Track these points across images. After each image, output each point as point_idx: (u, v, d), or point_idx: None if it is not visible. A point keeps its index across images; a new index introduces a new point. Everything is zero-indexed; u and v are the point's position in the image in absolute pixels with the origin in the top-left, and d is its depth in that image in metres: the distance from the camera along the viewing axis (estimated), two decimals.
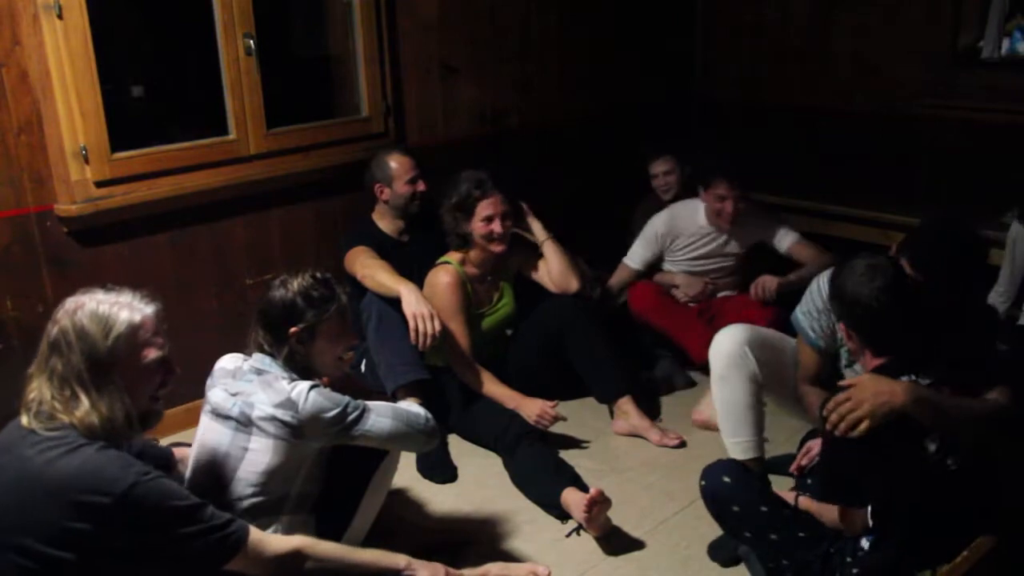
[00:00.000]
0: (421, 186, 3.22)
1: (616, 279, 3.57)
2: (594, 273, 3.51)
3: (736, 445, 2.62)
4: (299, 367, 2.10)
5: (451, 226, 3.07)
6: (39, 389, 1.69)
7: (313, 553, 1.84)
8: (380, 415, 2.08)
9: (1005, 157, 3.74)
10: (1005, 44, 3.93)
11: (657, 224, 3.52)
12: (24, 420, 1.69)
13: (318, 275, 2.14)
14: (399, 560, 1.95)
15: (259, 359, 2.09)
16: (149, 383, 1.78)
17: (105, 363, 1.69)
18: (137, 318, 1.74)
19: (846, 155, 4.24)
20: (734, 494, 2.16)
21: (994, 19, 3.84)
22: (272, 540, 1.81)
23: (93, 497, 1.58)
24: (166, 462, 2.15)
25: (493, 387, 3.02)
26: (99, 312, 1.71)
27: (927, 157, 3.99)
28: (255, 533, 1.77)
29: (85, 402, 1.67)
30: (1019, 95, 3.73)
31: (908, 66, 3.99)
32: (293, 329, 2.06)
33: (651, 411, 3.19)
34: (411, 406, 2.21)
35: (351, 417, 2.03)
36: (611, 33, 4.30)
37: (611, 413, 3.14)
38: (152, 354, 1.77)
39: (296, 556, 1.81)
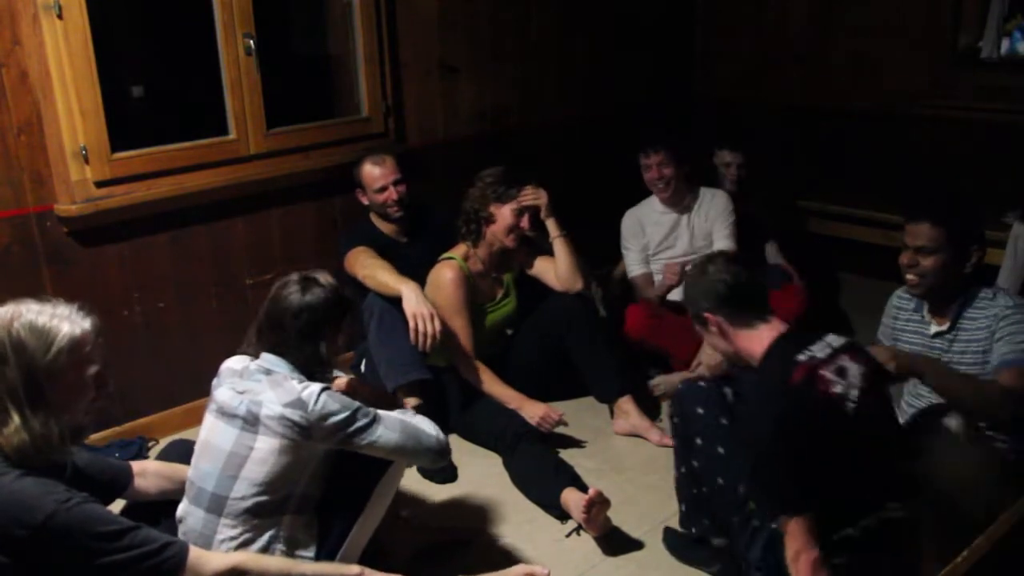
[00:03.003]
0: (393, 195, 3.18)
1: (642, 289, 3.57)
2: (596, 272, 3.52)
3: None
4: (312, 367, 2.10)
5: (477, 206, 3.06)
6: None
7: (255, 567, 1.80)
8: (389, 428, 2.06)
9: (1005, 157, 3.74)
10: (1005, 44, 3.93)
11: (626, 222, 3.61)
12: None
13: (323, 273, 2.16)
14: (352, 568, 1.92)
15: (268, 359, 2.09)
16: (84, 399, 1.70)
17: (43, 379, 1.60)
18: (78, 332, 1.65)
19: (846, 155, 4.24)
20: (699, 401, 2.24)
21: (993, 19, 3.85)
22: (212, 558, 1.77)
23: (10, 530, 1.51)
24: (118, 479, 2.03)
25: (495, 386, 3.01)
26: (38, 324, 1.62)
27: (927, 157, 3.99)
28: (194, 552, 1.71)
29: (16, 420, 1.58)
30: (1019, 95, 3.73)
31: (908, 66, 3.99)
32: (334, 328, 2.10)
33: (651, 411, 3.19)
34: (423, 422, 2.18)
35: (359, 424, 2.02)
36: (611, 33, 4.30)
37: (611, 413, 3.14)
38: (91, 370, 1.68)
39: (237, 572, 1.76)
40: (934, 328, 2.44)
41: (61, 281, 2.77)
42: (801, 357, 2.00)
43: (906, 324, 2.54)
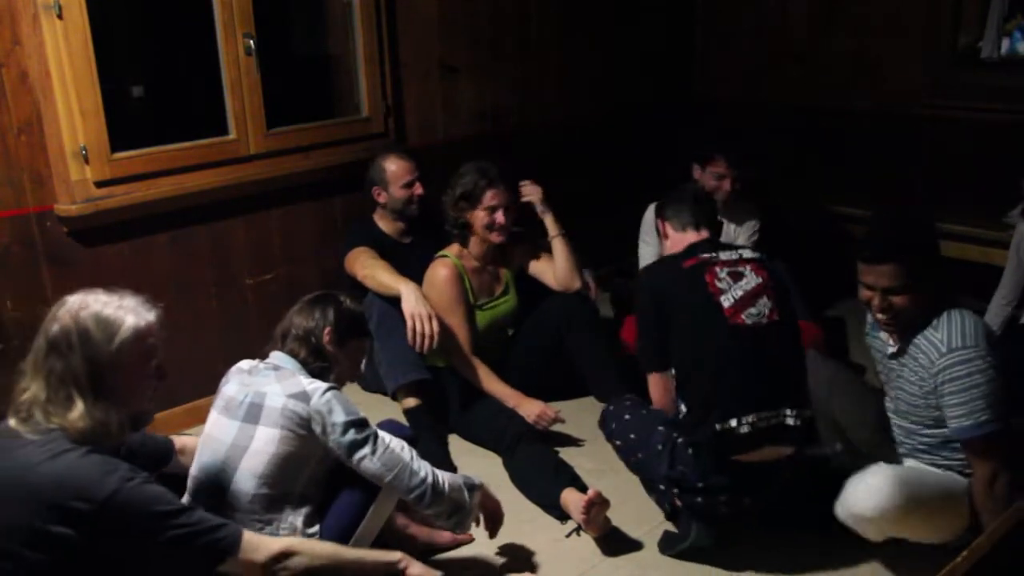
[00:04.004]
0: (419, 189, 3.22)
1: None
2: (596, 273, 3.51)
3: None
4: (314, 363, 2.14)
5: (453, 215, 3.06)
6: (33, 389, 1.67)
7: (305, 551, 1.84)
8: (380, 460, 2.02)
9: (1005, 157, 3.74)
10: (1005, 44, 3.94)
11: (649, 217, 3.50)
12: (12, 422, 1.66)
13: (357, 304, 2.33)
14: (394, 555, 1.97)
15: (277, 356, 2.13)
16: (147, 388, 1.77)
17: (106, 368, 1.67)
18: (143, 324, 1.72)
19: (846, 155, 4.24)
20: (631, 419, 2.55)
21: (993, 19, 3.85)
22: (264, 540, 1.81)
23: (75, 503, 1.57)
24: (165, 453, 2.16)
25: (493, 384, 3.01)
26: (104, 315, 1.68)
27: (927, 157, 3.99)
28: (248, 534, 1.77)
29: (80, 406, 1.64)
30: (1019, 95, 3.73)
31: (908, 66, 4.00)
32: (338, 338, 2.16)
33: None
34: (439, 476, 2.11)
35: (353, 437, 2.01)
36: (611, 33, 4.30)
37: None
38: (154, 362, 1.75)
39: (288, 555, 1.80)
40: (890, 348, 2.33)
41: (61, 281, 2.76)
42: (704, 255, 2.32)
43: (874, 340, 2.45)
